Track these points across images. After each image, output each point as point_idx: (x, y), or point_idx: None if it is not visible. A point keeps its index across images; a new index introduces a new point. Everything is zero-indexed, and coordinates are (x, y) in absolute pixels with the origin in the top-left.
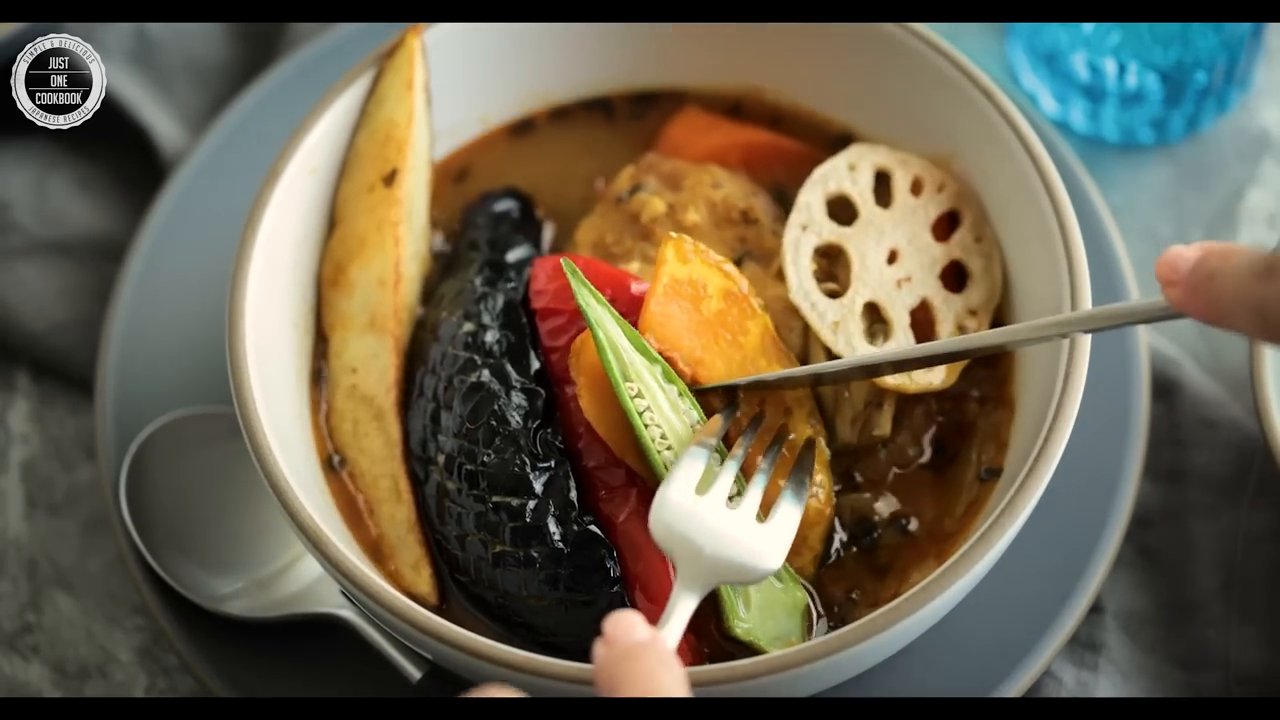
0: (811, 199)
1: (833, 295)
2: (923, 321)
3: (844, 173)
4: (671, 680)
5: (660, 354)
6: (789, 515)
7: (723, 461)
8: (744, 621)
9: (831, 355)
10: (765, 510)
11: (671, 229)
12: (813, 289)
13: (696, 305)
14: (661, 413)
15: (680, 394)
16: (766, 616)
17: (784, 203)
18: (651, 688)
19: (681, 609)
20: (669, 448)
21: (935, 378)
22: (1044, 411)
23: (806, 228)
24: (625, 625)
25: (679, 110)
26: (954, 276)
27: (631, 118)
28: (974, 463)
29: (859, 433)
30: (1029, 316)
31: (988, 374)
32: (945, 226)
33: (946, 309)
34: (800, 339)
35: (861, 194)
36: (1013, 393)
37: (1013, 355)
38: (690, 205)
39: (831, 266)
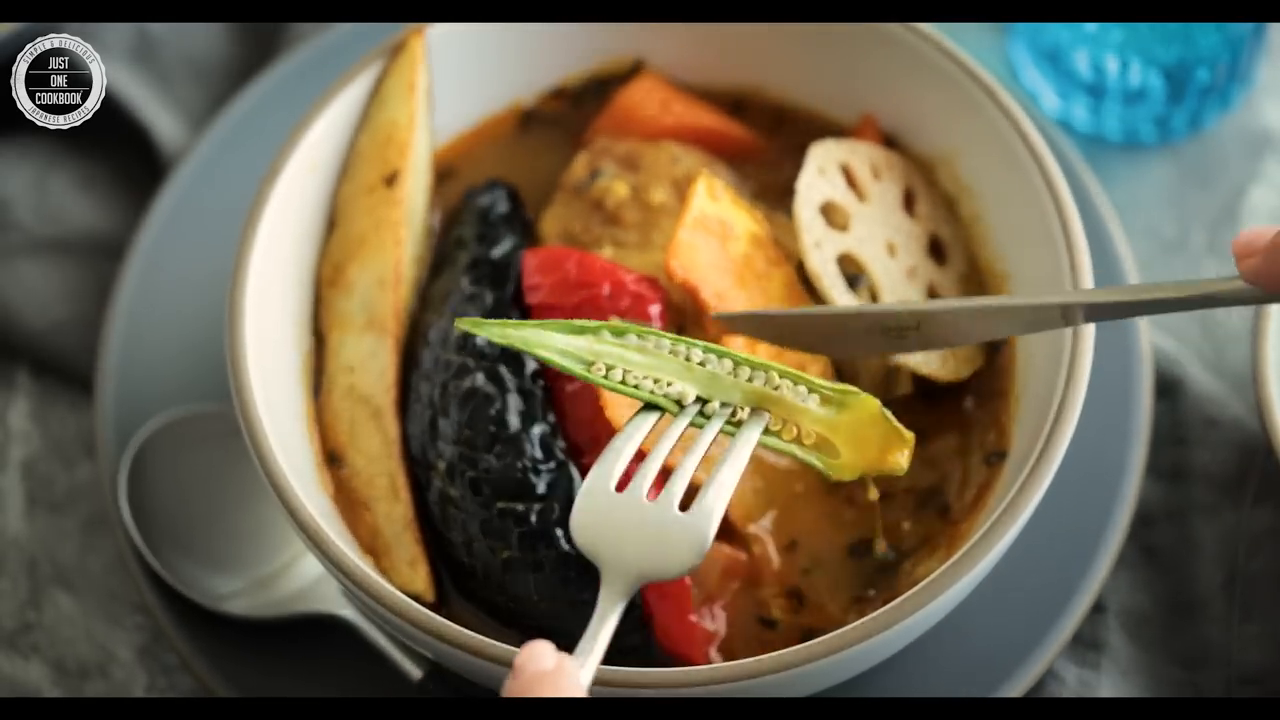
0: (809, 215)
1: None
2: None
3: (820, 179)
4: None
5: (685, 284)
6: (715, 498)
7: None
8: (842, 469)
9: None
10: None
11: (639, 211)
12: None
13: (723, 244)
14: (640, 365)
15: (640, 334)
16: (857, 443)
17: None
18: None
19: (604, 625)
20: (670, 384)
21: (964, 370)
22: (1048, 395)
23: (820, 245)
24: (533, 654)
25: (634, 78)
26: (932, 250)
27: None
28: (976, 448)
29: (882, 394)
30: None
31: (988, 360)
32: (909, 203)
33: (946, 284)
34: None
35: (843, 196)
36: (1013, 378)
37: (1013, 339)
38: (653, 185)
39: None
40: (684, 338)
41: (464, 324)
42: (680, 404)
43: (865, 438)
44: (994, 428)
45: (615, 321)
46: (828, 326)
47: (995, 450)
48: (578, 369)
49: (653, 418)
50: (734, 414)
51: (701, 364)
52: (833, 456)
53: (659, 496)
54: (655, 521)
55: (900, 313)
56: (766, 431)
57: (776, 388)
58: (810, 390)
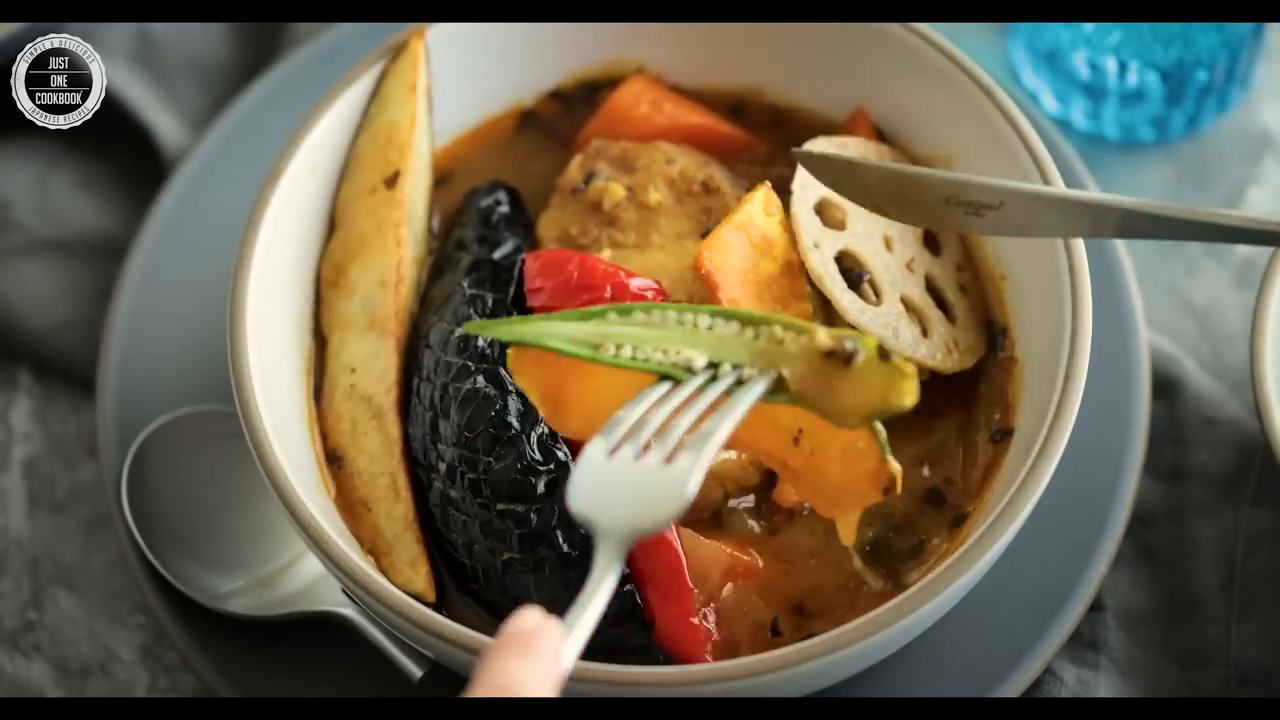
0: (806, 216)
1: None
2: (932, 294)
3: (813, 178)
4: (527, 675)
5: (709, 277)
6: (700, 446)
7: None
8: (845, 415)
9: None
10: None
11: (636, 212)
12: (864, 305)
13: (758, 258)
14: (648, 339)
15: (645, 310)
16: (860, 387)
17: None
18: (502, 684)
19: (599, 589)
20: (678, 353)
21: (967, 361)
22: (1051, 372)
23: (818, 245)
24: (518, 617)
25: (626, 81)
26: (926, 241)
27: None
28: (982, 425)
29: None
30: (1029, 315)
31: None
32: None
33: (943, 275)
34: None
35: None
36: (1015, 354)
37: (1010, 320)
38: (649, 185)
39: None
40: (690, 305)
41: (473, 327)
42: (690, 370)
43: (868, 378)
44: (1000, 403)
45: (622, 304)
46: (907, 186)
47: (1001, 428)
48: (586, 353)
49: (663, 387)
50: (743, 374)
51: (710, 328)
52: (838, 400)
53: (647, 454)
54: (642, 476)
55: (988, 187)
56: (772, 389)
57: (780, 341)
58: (814, 339)
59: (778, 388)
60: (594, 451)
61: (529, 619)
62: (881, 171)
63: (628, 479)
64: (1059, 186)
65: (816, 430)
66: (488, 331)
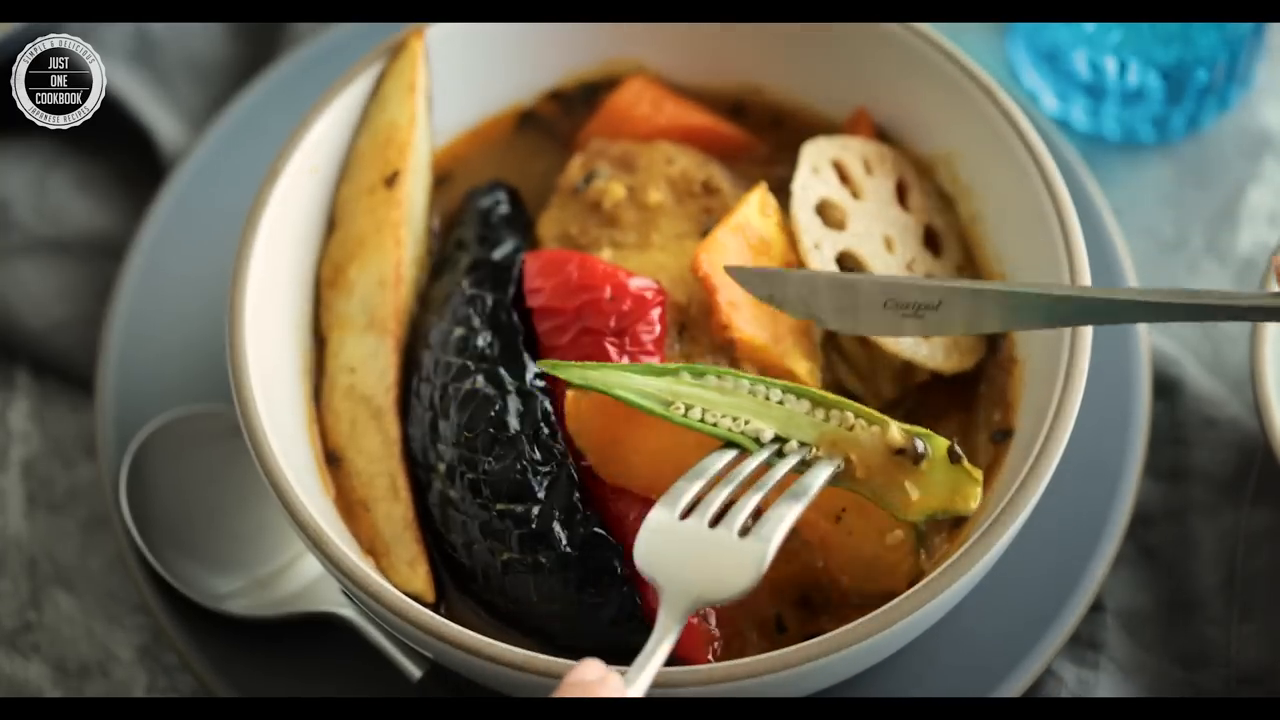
0: (807, 217)
1: None
2: None
3: (814, 178)
4: None
5: (706, 280)
6: (774, 526)
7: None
8: (909, 509)
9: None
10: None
11: (636, 212)
12: None
13: (755, 259)
14: (718, 404)
15: (719, 375)
16: (927, 484)
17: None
18: None
19: (662, 644)
20: (747, 422)
21: (967, 362)
22: (1051, 373)
23: (819, 246)
24: (583, 667)
25: (626, 81)
26: (926, 242)
27: None
28: (982, 425)
29: (899, 384)
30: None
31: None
32: (901, 195)
33: (944, 276)
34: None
35: (838, 194)
36: (1015, 354)
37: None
38: (650, 185)
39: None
40: (763, 378)
41: (544, 365)
42: (759, 441)
43: (935, 479)
44: (1000, 404)
45: (696, 364)
46: (842, 292)
47: (1001, 428)
48: (657, 409)
49: (729, 455)
50: (810, 453)
51: (780, 403)
52: (902, 496)
53: (720, 524)
54: (714, 546)
55: (925, 287)
56: (838, 474)
57: (851, 428)
58: (885, 432)
59: (843, 473)
60: (665, 512)
61: (592, 670)
62: (814, 279)
63: (699, 547)
64: (1059, 188)
65: (859, 512)
66: (557, 372)
